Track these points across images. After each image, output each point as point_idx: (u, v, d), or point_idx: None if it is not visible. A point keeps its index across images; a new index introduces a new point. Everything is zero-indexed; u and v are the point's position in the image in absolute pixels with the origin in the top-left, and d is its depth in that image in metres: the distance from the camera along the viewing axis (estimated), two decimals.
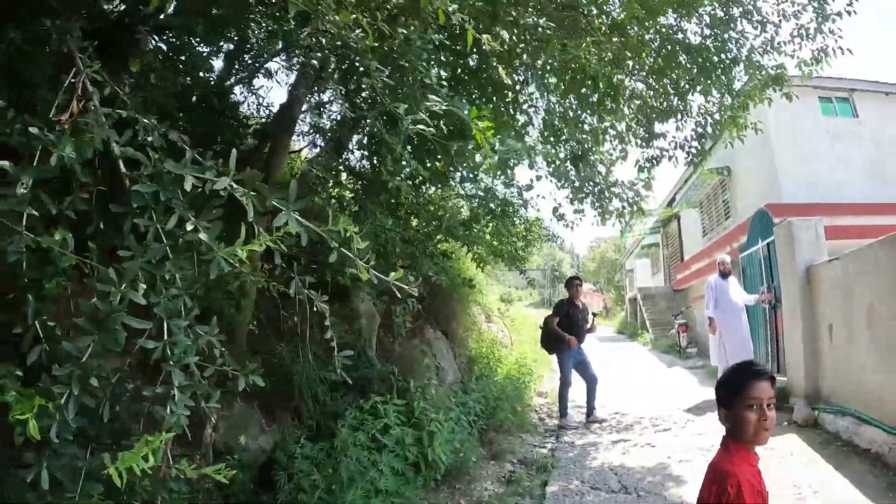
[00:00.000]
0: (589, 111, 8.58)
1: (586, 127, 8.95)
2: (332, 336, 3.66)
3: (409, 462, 5.94)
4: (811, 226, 9.17)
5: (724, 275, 10.93)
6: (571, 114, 8.84)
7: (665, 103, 8.14)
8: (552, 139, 8.92)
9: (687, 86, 7.73)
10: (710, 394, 11.34)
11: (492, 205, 9.15)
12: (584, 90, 7.92)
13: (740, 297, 10.92)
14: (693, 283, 21.62)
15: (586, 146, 8.85)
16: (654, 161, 8.84)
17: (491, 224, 9.35)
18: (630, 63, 7.62)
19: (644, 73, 7.85)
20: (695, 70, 7.46)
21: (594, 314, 10.56)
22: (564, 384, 9.91)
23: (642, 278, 34.90)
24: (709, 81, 7.45)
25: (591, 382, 10.02)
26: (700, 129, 8.35)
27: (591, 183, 8.82)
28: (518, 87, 8.12)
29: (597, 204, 8.95)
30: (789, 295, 9.47)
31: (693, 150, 8.58)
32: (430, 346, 8.99)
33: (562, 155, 9.00)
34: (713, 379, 12.79)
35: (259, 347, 6.31)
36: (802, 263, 8.97)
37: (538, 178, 8.99)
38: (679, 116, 8.31)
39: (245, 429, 5.60)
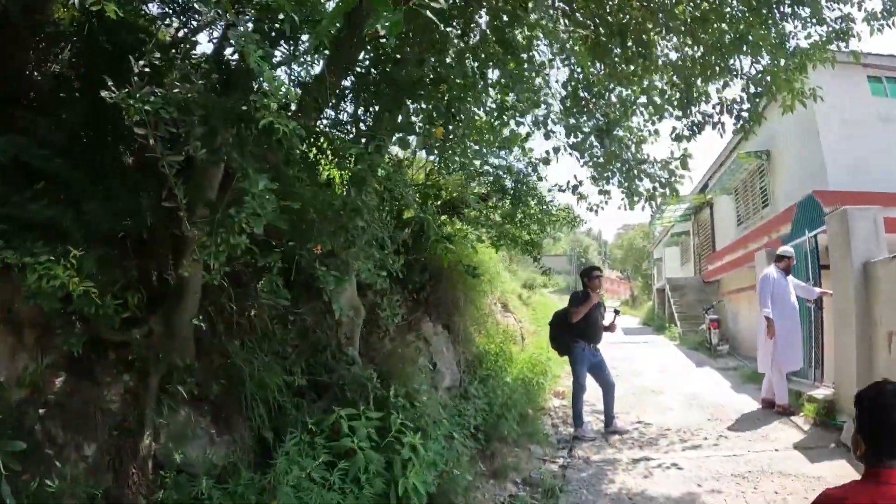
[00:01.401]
0: (617, 79, 7.42)
1: (613, 98, 7.83)
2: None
3: (373, 495, 4.80)
4: (869, 216, 8.07)
5: (786, 271, 9.59)
6: (598, 82, 7.68)
7: (707, 62, 6.86)
8: (575, 110, 7.72)
9: (732, 44, 6.43)
10: (744, 402, 10.26)
11: (506, 182, 8.02)
12: (612, 51, 6.83)
13: (795, 297, 9.61)
14: (725, 274, 20.35)
15: (614, 117, 7.72)
16: (695, 129, 7.56)
17: (503, 204, 8.24)
18: (666, 16, 6.41)
19: (683, 26, 6.56)
20: (742, 25, 6.16)
21: (616, 311, 9.34)
22: (578, 390, 8.76)
23: (671, 268, 33.51)
24: (759, 36, 6.13)
25: (607, 388, 8.89)
26: (753, 89, 7.00)
27: (619, 160, 7.66)
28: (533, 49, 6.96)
29: (624, 184, 7.79)
30: (841, 295, 8.37)
31: (744, 114, 7.24)
32: (426, 343, 7.87)
33: (586, 128, 7.82)
34: (749, 384, 11.67)
35: (210, 347, 5.27)
36: (858, 259, 7.88)
37: (556, 150, 7.82)
38: (726, 76, 7.01)
39: (190, 439, 4.65)
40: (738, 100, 7.16)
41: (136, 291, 4.63)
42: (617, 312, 9.31)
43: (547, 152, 7.89)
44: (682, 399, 10.88)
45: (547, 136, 7.69)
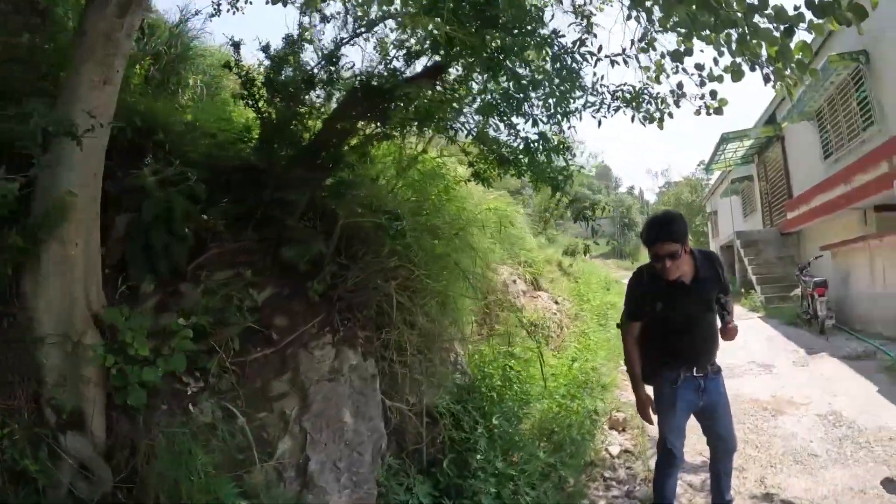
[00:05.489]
0: None
1: None
2: None
3: None
4: None
5: None
6: None
7: None
8: None
9: None
10: None
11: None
12: None
13: None
14: (813, 223, 16.13)
15: None
16: None
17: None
18: None
19: None
20: None
21: (721, 302, 4.30)
22: (662, 458, 4.39)
23: (731, 221, 28.85)
24: None
25: (720, 451, 4.53)
26: None
27: None
28: None
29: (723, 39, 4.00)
30: None
31: None
32: (302, 399, 3.62)
33: None
34: None
35: None
36: None
37: None
38: None
39: None
40: None
41: None
42: (724, 304, 4.31)
43: None
44: (821, 427, 6.61)
45: None
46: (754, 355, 10.43)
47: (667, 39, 5.58)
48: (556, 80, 4.61)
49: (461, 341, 5.67)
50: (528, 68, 4.56)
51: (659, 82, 5.69)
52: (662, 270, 4.02)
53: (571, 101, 4.83)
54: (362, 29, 5.07)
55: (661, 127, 5.72)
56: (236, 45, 5.43)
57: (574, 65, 4.66)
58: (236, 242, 4.25)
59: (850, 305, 12.84)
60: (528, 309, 9.61)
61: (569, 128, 5.13)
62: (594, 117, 5.29)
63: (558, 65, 4.58)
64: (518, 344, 6.88)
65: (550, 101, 4.71)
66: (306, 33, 5.17)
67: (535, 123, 4.83)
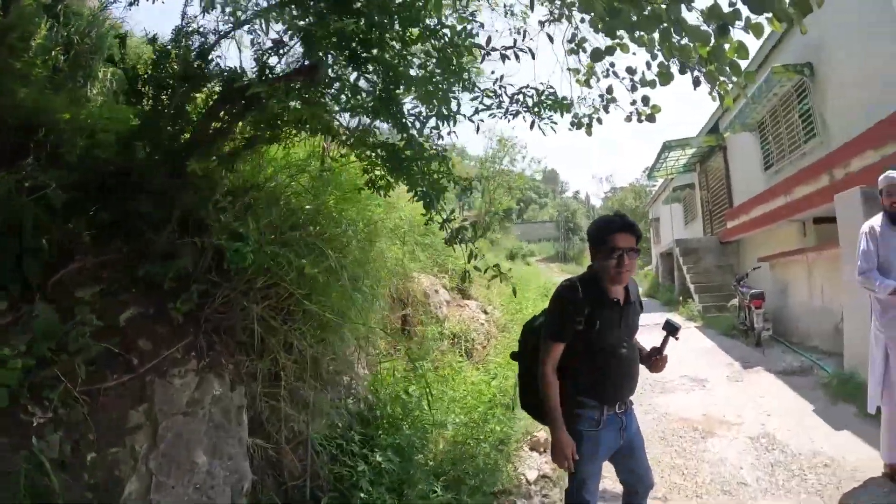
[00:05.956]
0: None
1: None
2: None
3: None
4: None
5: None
6: None
7: None
8: None
9: None
10: (853, 451, 5.98)
11: None
12: None
13: None
14: (753, 233, 15.93)
15: None
16: None
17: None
18: None
19: None
20: None
21: (672, 328, 3.94)
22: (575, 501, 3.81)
23: (672, 228, 28.90)
24: None
25: (642, 491, 3.98)
26: None
27: None
28: None
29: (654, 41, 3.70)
30: None
31: None
32: (152, 432, 3.16)
33: None
34: (840, 402, 7.36)
35: None
36: None
37: None
38: None
39: None
40: None
41: None
42: (674, 331, 3.96)
43: None
44: (753, 451, 6.33)
45: None
46: (688, 368, 10.17)
47: (598, 41, 5.26)
48: (437, 78, 4.07)
49: (360, 363, 5.20)
50: (404, 64, 4.02)
51: (589, 86, 5.35)
52: (618, 269, 3.50)
53: (454, 101, 4.26)
54: (241, 22, 4.57)
55: (588, 133, 5.39)
56: (122, 39, 4.95)
57: (454, 61, 4.09)
58: (100, 256, 3.73)
59: (787, 317, 12.70)
60: (452, 319, 9.19)
61: (448, 133, 4.68)
62: (472, 122, 4.77)
63: (435, 60, 4.05)
64: (434, 360, 6.46)
65: (433, 101, 4.12)
66: (191, 25, 4.67)
67: (404, 128, 4.28)
